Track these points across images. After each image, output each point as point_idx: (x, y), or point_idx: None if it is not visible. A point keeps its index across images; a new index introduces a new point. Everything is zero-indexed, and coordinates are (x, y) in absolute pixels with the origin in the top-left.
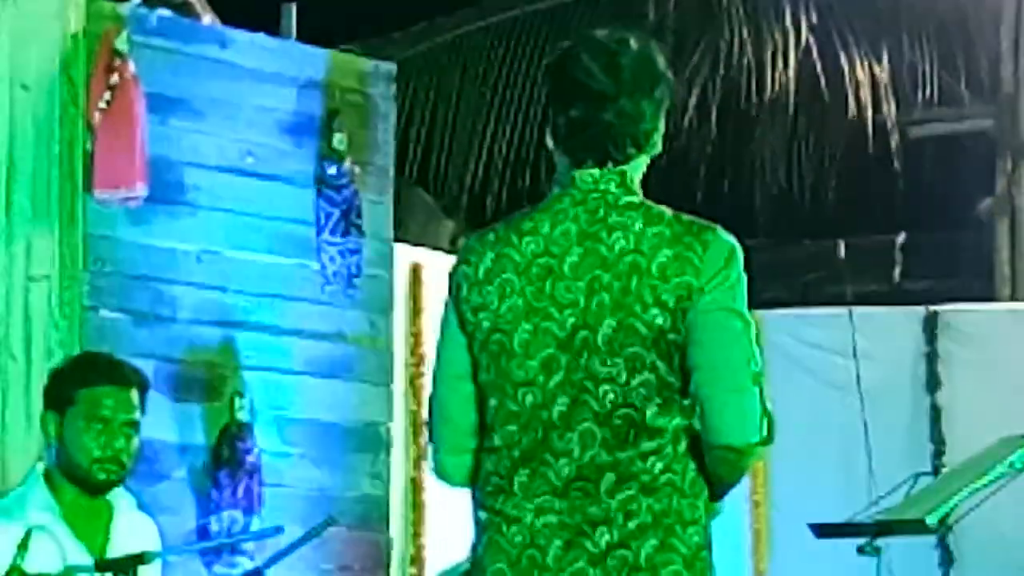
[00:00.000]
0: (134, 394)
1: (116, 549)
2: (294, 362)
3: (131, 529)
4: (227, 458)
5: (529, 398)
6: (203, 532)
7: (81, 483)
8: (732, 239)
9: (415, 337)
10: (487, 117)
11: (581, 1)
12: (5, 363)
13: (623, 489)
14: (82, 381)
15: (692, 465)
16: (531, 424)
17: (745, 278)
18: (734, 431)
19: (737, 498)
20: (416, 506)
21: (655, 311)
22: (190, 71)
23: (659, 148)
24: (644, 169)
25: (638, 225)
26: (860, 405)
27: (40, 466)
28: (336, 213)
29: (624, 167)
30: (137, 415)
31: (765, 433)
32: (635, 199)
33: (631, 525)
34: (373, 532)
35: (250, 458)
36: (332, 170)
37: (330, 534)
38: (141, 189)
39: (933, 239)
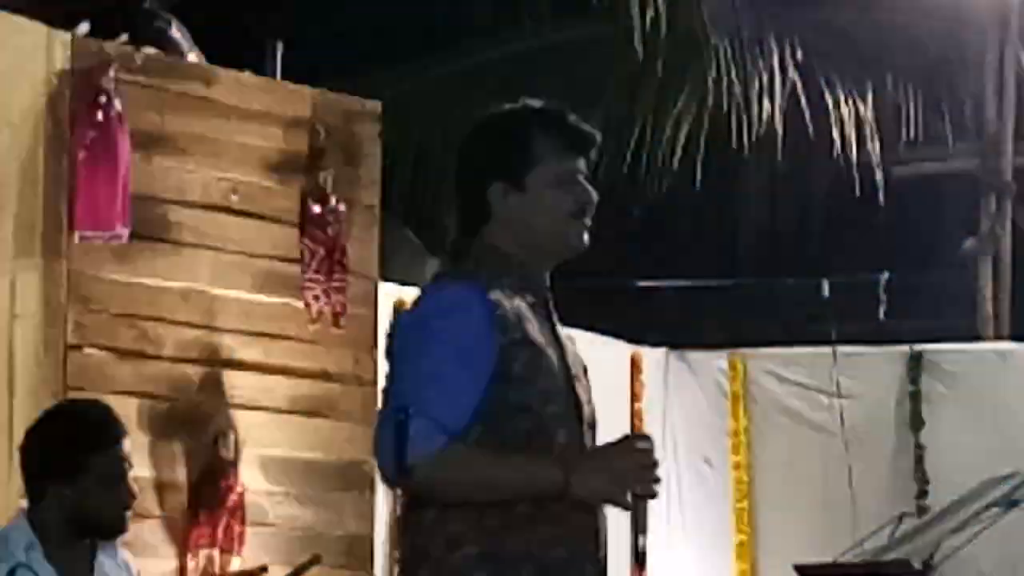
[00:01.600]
0: (128, 441)
1: None
2: (279, 400)
3: (113, 568)
4: (209, 497)
5: None
6: (182, 572)
7: (105, 533)
8: (437, 286)
9: None
10: None
11: (569, 42)
12: None
13: None
14: (92, 447)
15: (438, 504)
16: None
17: (428, 322)
18: (377, 459)
19: (722, 537)
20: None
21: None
22: (175, 109)
23: (497, 207)
24: (501, 228)
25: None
26: (844, 444)
27: (24, 503)
28: (321, 251)
29: (469, 240)
30: (131, 460)
31: (395, 468)
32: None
33: (405, 563)
34: (358, 571)
35: (233, 497)
36: (317, 208)
37: (315, 573)
38: (122, 229)
39: (917, 278)
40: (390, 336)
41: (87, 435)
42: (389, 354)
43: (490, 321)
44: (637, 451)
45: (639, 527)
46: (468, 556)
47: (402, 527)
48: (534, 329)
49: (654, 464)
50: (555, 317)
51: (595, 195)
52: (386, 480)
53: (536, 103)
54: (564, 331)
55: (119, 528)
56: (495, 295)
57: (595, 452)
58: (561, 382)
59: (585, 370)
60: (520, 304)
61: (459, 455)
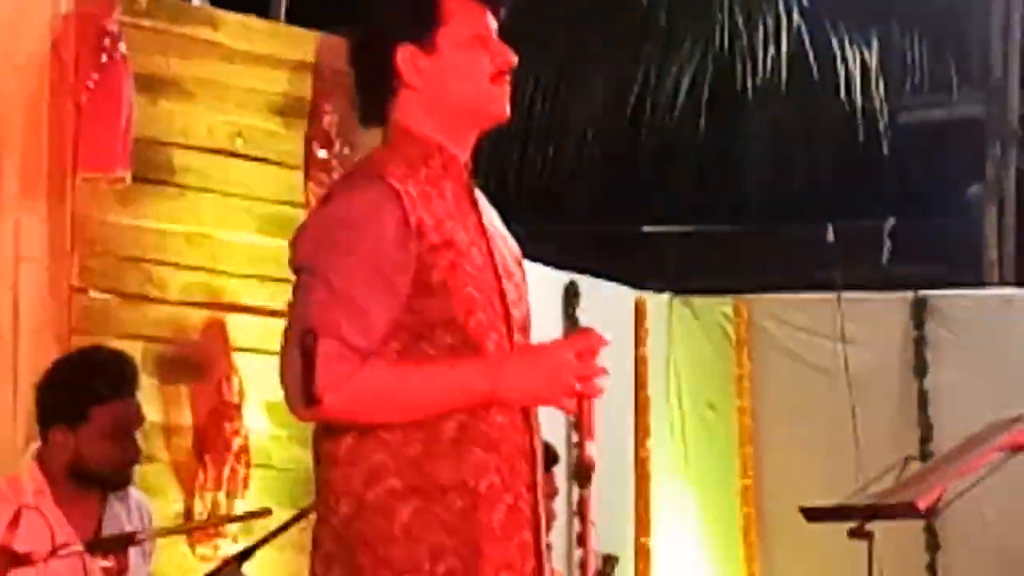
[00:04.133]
0: (139, 397)
1: (109, 529)
2: None
3: (124, 512)
4: (214, 440)
5: None
6: (188, 514)
7: (102, 484)
8: (346, 187)
9: None
10: None
11: None
12: None
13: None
14: (94, 398)
15: (353, 432)
16: None
17: (336, 232)
18: (283, 387)
19: (727, 482)
20: None
21: None
22: (180, 52)
23: (407, 74)
24: (412, 103)
25: None
26: (848, 390)
27: (33, 448)
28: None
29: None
30: (144, 415)
31: (303, 397)
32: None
33: (318, 498)
34: None
35: (238, 440)
36: (322, 152)
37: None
38: (122, 172)
39: (922, 225)
40: (293, 244)
41: (92, 385)
42: (293, 264)
43: (405, 226)
44: (574, 345)
45: (584, 432)
46: (392, 490)
47: (314, 459)
48: (456, 225)
49: (594, 358)
50: (481, 202)
51: (514, 56)
52: (293, 410)
53: None
54: (493, 216)
55: (120, 482)
56: (411, 192)
57: (526, 349)
58: (488, 283)
59: (519, 262)
60: (441, 197)
61: (372, 373)
